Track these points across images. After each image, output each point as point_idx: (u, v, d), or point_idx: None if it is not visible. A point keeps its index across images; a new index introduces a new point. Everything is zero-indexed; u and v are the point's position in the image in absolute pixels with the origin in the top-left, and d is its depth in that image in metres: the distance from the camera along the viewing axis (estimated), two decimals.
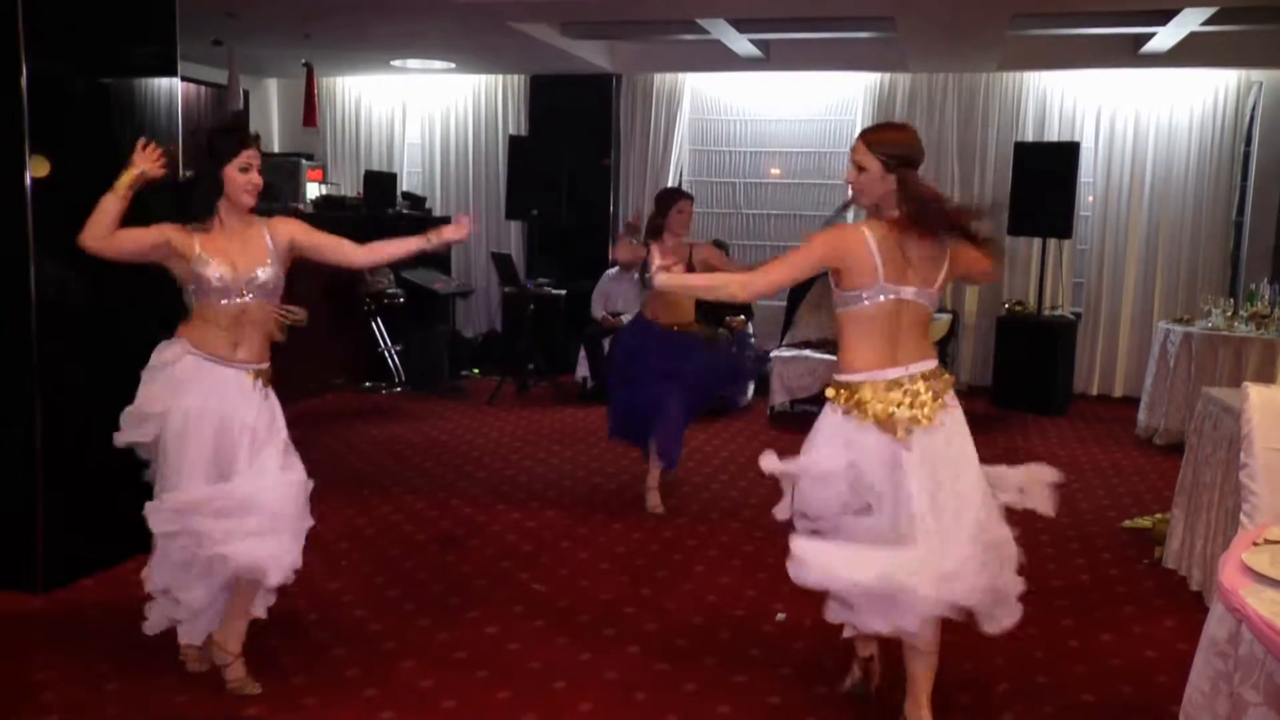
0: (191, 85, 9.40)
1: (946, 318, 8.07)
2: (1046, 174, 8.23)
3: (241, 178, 3.33)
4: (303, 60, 9.39)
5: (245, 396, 3.36)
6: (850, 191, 3.23)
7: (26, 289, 4.03)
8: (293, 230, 3.49)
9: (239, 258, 3.34)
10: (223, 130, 3.48)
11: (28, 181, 3.99)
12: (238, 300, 3.33)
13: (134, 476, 4.64)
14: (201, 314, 3.35)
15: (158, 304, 4.72)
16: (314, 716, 3.27)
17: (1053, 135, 9.06)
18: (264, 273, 3.36)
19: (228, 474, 3.30)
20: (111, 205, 3.22)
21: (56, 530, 4.18)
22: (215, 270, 3.28)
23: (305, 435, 6.98)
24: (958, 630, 4.04)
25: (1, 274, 4.08)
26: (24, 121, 3.96)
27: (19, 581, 4.15)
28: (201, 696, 3.37)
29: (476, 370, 9.48)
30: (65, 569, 4.25)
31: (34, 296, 4.05)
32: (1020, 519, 5.47)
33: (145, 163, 3.28)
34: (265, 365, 3.46)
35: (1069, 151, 8.38)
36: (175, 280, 3.39)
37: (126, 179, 3.25)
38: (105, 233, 3.21)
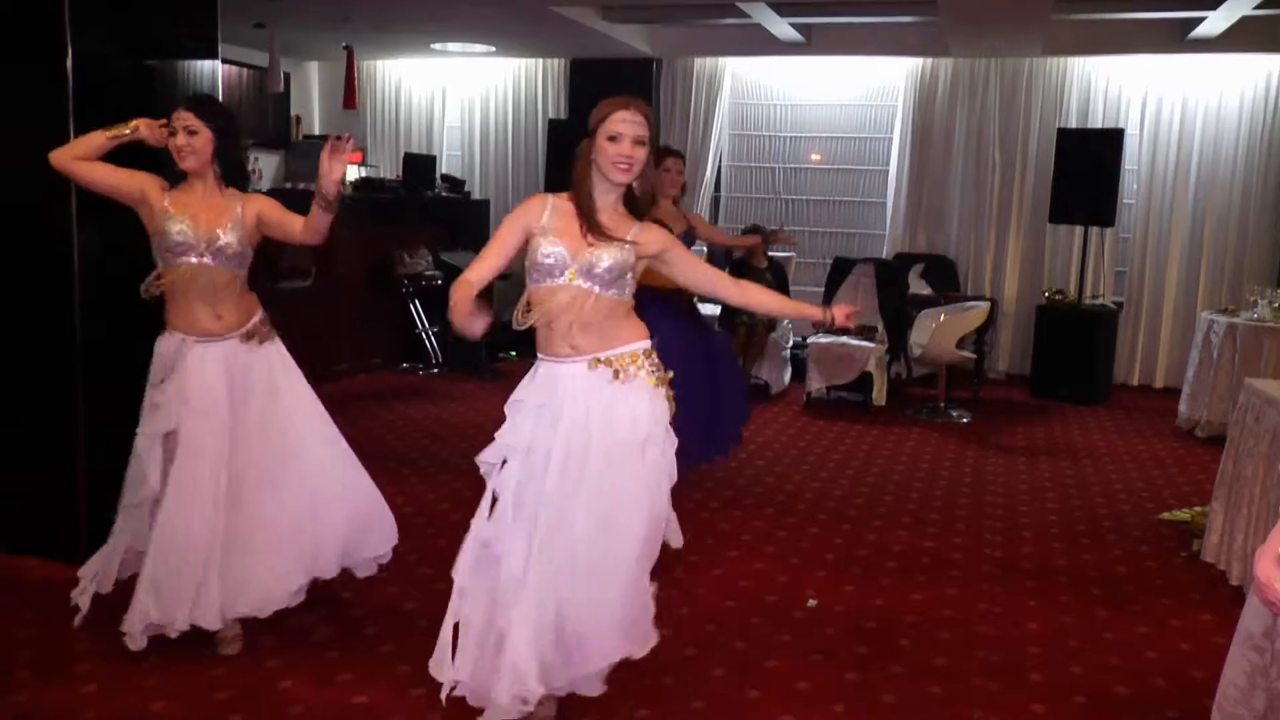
0: (233, 67, 9.49)
1: (984, 305, 7.99)
2: (1090, 161, 8.14)
3: (170, 141, 3.46)
4: (343, 43, 9.44)
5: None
6: (631, 174, 2.95)
7: (70, 266, 4.10)
8: (260, 206, 3.59)
9: (203, 217, 3.48)
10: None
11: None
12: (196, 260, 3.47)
13: None
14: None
15: None
16: (347, 691, 3.31)
17: (1097, 122, 8.95)
18: (228, 236, 3.48)
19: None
20: (96, 138, 3.47)
21: (98, 502, 4.24)
22: (177, 225, 3.43)
23: (342, 414, 7.05)
24: (989, 620, 4.03)
25: (46, 251, 4.14)
26: (69, 102, 4.01)
27: (61, 552, 4.22)
28: (238, 670, 3.42)
29: (514, 353, 9.51)
30: (106, 541, 4.32)
31: (77, 273, 4.11)
32: (1058, 509, 5.46)
33: (149, 129, 3.51)
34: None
35: (1113, 138, 8.27)
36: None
37: (120, 127, 3.49)
38: (79, 155, 3.47)
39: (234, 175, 3.58)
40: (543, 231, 2.93)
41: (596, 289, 2.91)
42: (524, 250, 2.97)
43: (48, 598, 3.93)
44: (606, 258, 2.90)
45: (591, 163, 2.91)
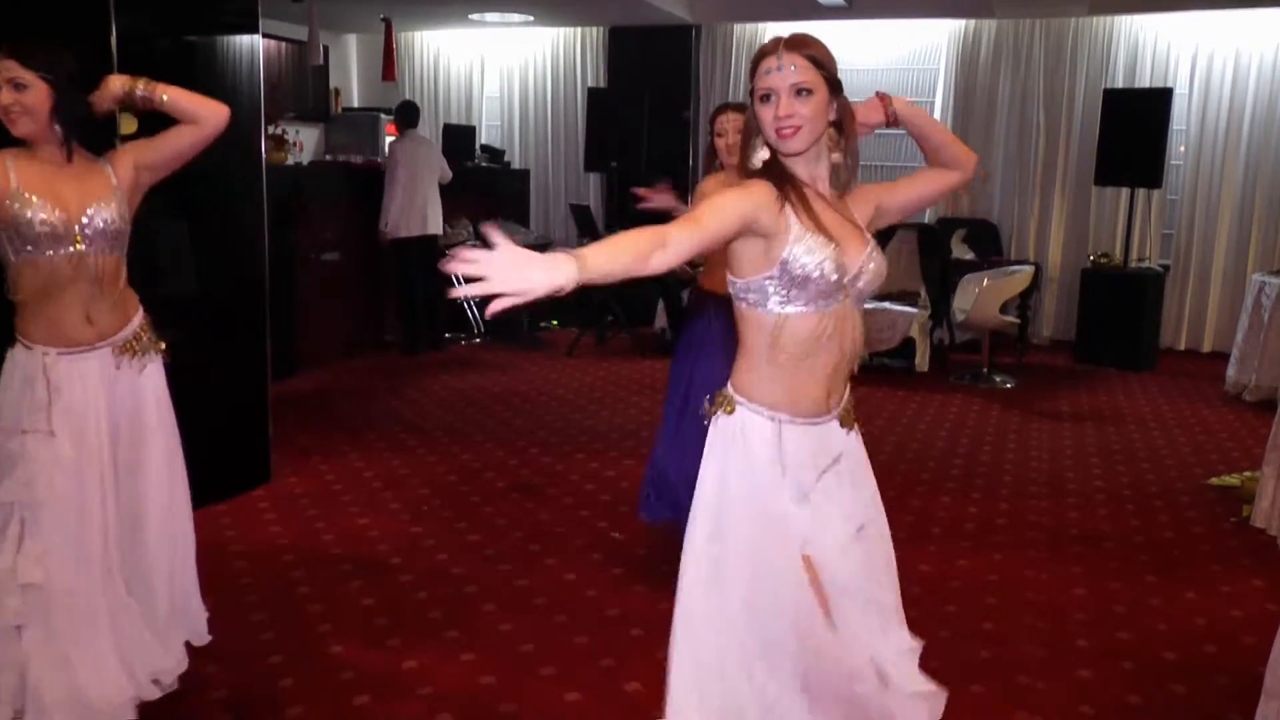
0: (273, 41, 9.52)
1: (1028, 270, 7.91)
2: (1137, 122, 7.99)
3: None
4: (381, 15, 9.45)
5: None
6: (802, 137, 2.10)
7: None
8: (132, 155, 2.87)
9: (68, 194, 2.72)
10: None
11: (118, 139, 4.09)
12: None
13: (222, 424, 4.81)
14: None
15: (241, 247, 4.87)
16: (397, 657, 3.36)
17: (1144, 81, 8.79)
18: (104, 212, 2.76)
19: None
20: None
21: None
22: (37, 212, 2.66)
23: (388, 384, 7.13)
24: (1035, 586, 4.02)
25: None
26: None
27: None
28: (289, 635, 3.49)
29: (555, 322, 9.55)
30: None
31: None
32: (1104, 474, 5.42)
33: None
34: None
35: (1161, 98, 8.12)
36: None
37: None
38: None
39: (82, 137, 2.77)
40: (787, 228, 2.06)
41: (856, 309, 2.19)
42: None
43: None
44: (875, 260, 2.20)
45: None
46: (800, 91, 2.05)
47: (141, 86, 2.78)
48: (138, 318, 2.89)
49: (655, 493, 4.10)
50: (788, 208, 2.06)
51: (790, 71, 2.05)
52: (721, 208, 1.99)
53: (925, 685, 2.29)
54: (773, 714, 2.14)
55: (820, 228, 2.07)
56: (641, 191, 4.14)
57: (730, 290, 2.17)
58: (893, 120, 2.30)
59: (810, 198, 2.11)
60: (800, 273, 2.05)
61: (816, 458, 2.16)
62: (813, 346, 2.11)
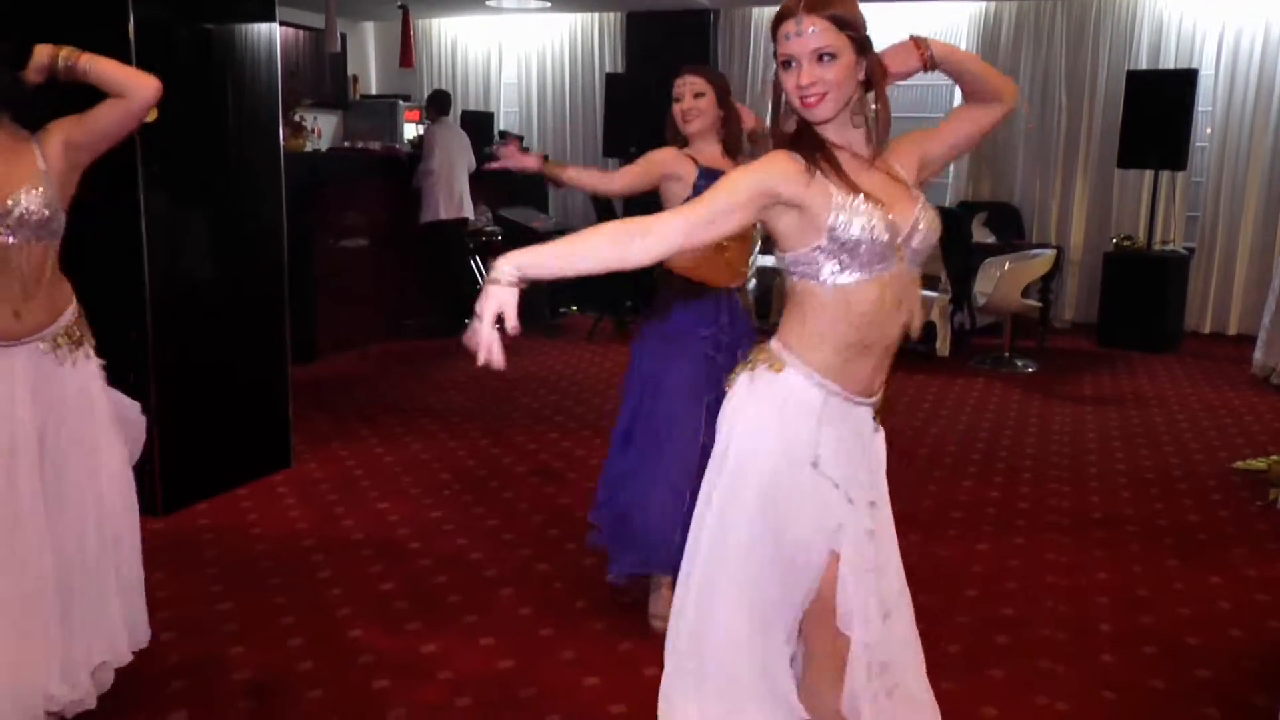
0: (290, 29, 9.53)
1: (1050, 253, 7.84)
2: (1161, 104, 7.89)
3: None
4: (398, 2, 9.45)
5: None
6: (827, 104, 1.98)
7: (138, 226, 4.17)
8: (62, 133, 2.63)
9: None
10: None
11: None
12: None
13: (242, 409, 4.83)
14: None
15: (267, 237, 4.88)
16: (416, 641, 3.37)
17: (1169, 61, 8.68)
18: (29, 199, 2.55)
19: None
20: None
21: (173, 458, 4.36)
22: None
23: (408, 370, 7.14)
24: (1057, 570, 3.99)
25: (114, 212, 4.21)
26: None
27: (142, 505, 4.33)
28: (309, 619, 3.50)
29: (574, 308, 9.54)
30: (182, 494, 4.45)
31: (145, 232, 4.19)
32: (1126, 458, 5.38)
33: None
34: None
35: (1186, 80, 8.01)
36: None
37: None
38: None
39: (20, 116, 2.62)
40: (820, 196, 1.95)
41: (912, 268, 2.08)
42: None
43: None
44: (926, 215, 2.06)
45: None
46: (823, 57, 1.93)
47: (64, 56, 2.56)
48: (70, 310, 2.73)
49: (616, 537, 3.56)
50: (819, 175, 1.95)
51: (811, 36, 1.93)
52: (732, 187, 1.92)
53: (924, 692, 2.28)
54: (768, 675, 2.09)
55: (861, 191, 1.96)
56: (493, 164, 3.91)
57: (779, 264, 2.06)
58: (930, 65, 2.16)
59: (845, 161, 2.00)
60: (849, 238, 1.94)
61: (851, 443, 2.06)
62: (878, 317, 2.00)
